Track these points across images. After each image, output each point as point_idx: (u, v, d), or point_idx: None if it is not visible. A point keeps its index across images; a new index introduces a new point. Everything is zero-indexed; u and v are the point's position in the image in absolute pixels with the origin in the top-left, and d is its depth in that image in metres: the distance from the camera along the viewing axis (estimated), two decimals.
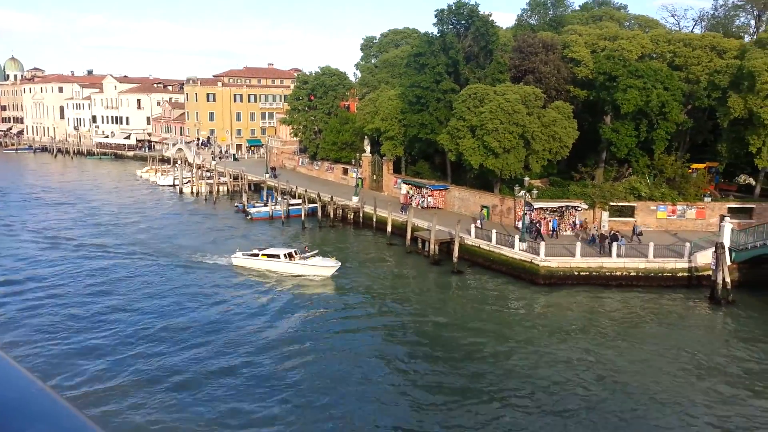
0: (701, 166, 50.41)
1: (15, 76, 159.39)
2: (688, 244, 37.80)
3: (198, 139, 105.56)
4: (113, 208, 64.04)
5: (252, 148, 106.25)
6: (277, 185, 65.98)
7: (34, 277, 38.12)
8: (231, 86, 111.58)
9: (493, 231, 41.51)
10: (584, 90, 52.20)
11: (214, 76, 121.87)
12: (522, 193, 41.14)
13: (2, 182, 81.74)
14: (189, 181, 76.76)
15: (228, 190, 74.37)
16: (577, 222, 44.85)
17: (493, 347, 27.84)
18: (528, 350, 27.62)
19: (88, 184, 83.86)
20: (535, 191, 40.68)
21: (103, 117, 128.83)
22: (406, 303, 34.54)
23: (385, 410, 22.24)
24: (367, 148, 65.26)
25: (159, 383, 23.67)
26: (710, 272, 35.66)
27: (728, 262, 35.06)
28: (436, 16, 53.89)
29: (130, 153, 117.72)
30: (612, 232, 40.43)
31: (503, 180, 48.54)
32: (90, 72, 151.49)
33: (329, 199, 57.64)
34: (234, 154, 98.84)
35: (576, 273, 37.36)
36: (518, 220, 44.37)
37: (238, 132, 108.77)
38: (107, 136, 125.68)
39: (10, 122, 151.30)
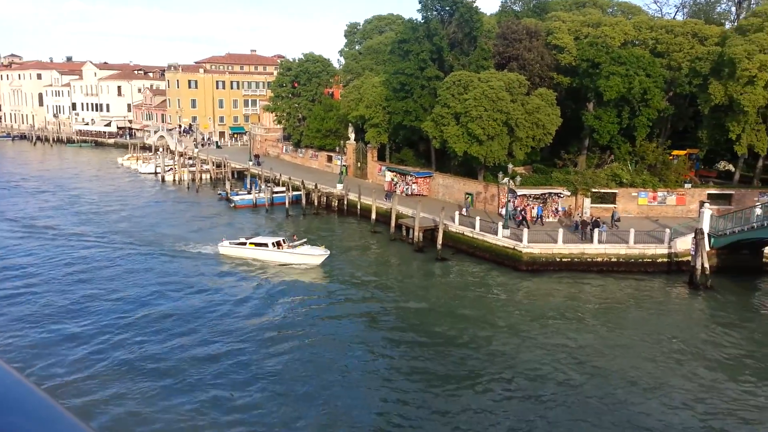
0: (682, 152, 50.89)
1: None
2: (668, 230, 38.21)
3: (180, 126, 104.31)
4: (94, 197, 63.20)
5: (235, 136, 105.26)
6: (260, 173, 65.52)
7: (12, 266, 37.53)
8: (213, 73, 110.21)
9: (477, 218, 41.64)
10: (567, 77, 52.32)
11: (196, 62, 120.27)
12: (505, 180, 41.25)
13: None
14: (171, 168, 75.84)
15: (211, 177, 73.72)
16: (560, 209, 45.13)
17: (476, 333, 28.01)
18: (510, 336, 27.83)
19: (68, 172, 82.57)
20: (518, 178, 40.80)
21: (82, 104, 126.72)
22: (390, 290, 34.60)
23: (367, 396, 22.30)
24: (352, 136, 64.95)
25: (139, 372, 23.49)
26: (689, 258, 36.12)
27: (707, 248, 35.51)
28: (420, 2, 53.49)
29: (111, 140, 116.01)
30: (593, 218, 40.75)
31: (487, 167, 48.63)
32: (69, 58, 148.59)
33: (313, 187, 57.37)
34: (217, 142, 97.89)
35: (558, 259, 37.66)
36: (502, 207, 44.53)
37: (221, 119, 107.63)
38: (87, 124, 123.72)
39: None
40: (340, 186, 56.90)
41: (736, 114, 44.63)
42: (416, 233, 42.79)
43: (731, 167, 52.43)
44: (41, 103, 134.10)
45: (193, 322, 28.79)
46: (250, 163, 73.84)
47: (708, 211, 37.47)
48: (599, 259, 37.69)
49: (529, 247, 37.58)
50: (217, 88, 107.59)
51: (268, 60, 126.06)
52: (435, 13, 54.13)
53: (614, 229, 40.22)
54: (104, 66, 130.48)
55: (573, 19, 55.33)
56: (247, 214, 55.48)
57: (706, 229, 36.08)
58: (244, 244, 40.04)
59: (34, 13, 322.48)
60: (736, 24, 55.77)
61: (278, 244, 39.19)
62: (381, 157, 61.48)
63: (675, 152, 50.47)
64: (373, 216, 48.91)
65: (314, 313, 30.96)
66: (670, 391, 22.77)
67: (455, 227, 42.41)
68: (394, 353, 26.19)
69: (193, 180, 71.09)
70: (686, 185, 46.83)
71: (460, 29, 53.94)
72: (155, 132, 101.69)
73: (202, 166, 74.10)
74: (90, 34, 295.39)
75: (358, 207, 52.80)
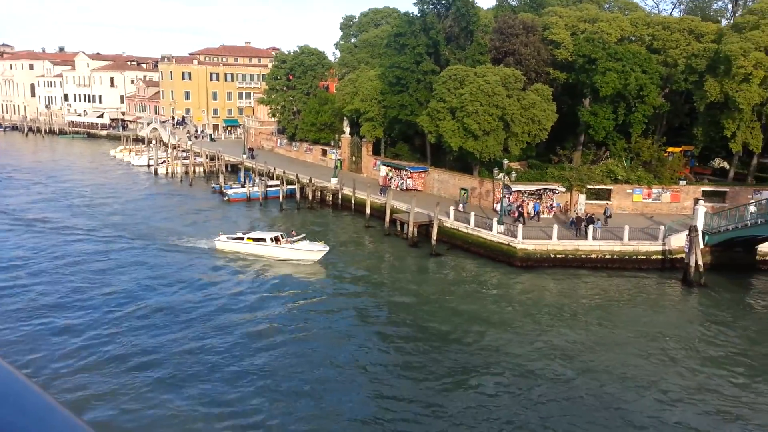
0: (677, 149, 50.98)
1: None
2: (662, 227, 38.25)
3: (173, 118, 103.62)
4: (86, 189, 62.67)
5: (229, 128, 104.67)
6: (254, 166, 65.14)
7: (2, 258, 37.15)
8: (207, 64, 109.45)
9: (472, 213, 41.53)
10: (564, 72, 52.19)
11: (189, 54, 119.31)
12: (501, 175, 41.14)
13: None
14: (164, 161, 75.36)
15: (204, 170, 73.25)
16: (554, 205, 45.10)
17: (469, 328, 27.94)
18: (503, 331, 27.78)
19: (60, 163, 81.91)
20: (513, 174, 40.72)
21: (75, 95, 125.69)
22: (384, 285, 34.47)
23: (360, 391, 22.19)
24: (347, 130, 64.65)
25: (131, 366, 23.26)
26: (684, 255, 36.18)
27: (701, 245, 35.58)
28: None
29: (104, 132, 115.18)
30: (588, 215, 40.74)
31: (482, 162, 48.51)
32: (62, 49, 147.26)
33: (308, 181, 57.11)
34: (210, 134, 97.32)
35: (552, 255, 37.63)
36: (497, 203, 44.44)
37: (215, 111, 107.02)
38: (80, 115, 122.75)
39: None
40: (334, 180, 56.65)
41: (732, 111, 44.68)
42: (411, 228, 42.65)
43: (726, 164, 52.55)
44: (33, 94, 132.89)
45: (186, 316, 28.58)
46: (244, 156, 73.42)
47: (702, 208, 37.51)
48: (593, 256, 37.69)
49: (523, 243, 37.53)
50: (211, 80, 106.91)
51: (262, 52, 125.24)
52: (431, 6, 53.85)
53: (605, 225, 40.24)
54: (97, 57, 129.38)
55: (570, 14, 55.16)
56: (241, 207, 55.18)
57: (700, 226, 36.13)
58: (242, 238, 39.46)
59: (27, 2, 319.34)
60: (732, 21, 55.80)
61: (276, 239, 38.65)
62: (376, 152, 61.24)
63: (670, 149, 50.53)
64: (368, 211, 48.72)
65: (307, 308, 30.80)
66: (663, 388, 22.78)
67: (450, 222, 42.30)
68: (387, 348, 26.09)
69: (187, 173, 70.64)
70: (681, 182, 46.89)
71: (456, 23, 53.69)
72: (148, 124, 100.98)
73: (195, 158, 73.62)
74: (83, 25, 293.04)
75: (353, 201, 52.59)
